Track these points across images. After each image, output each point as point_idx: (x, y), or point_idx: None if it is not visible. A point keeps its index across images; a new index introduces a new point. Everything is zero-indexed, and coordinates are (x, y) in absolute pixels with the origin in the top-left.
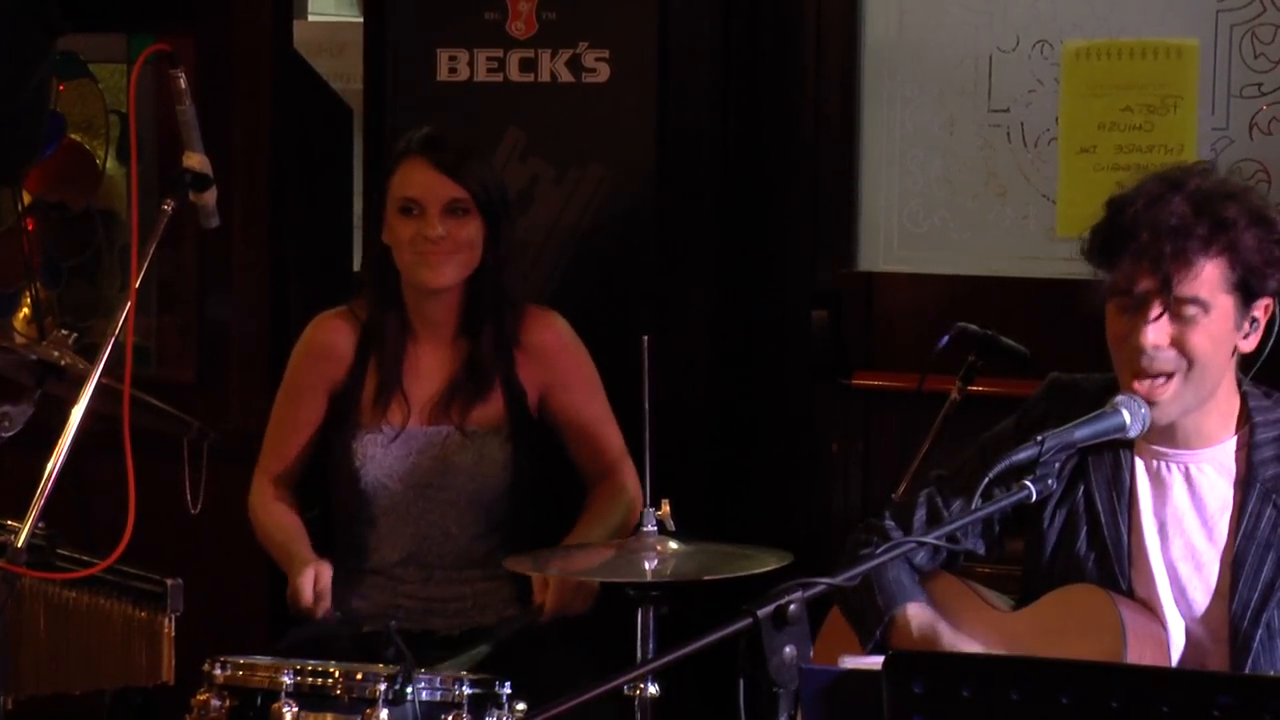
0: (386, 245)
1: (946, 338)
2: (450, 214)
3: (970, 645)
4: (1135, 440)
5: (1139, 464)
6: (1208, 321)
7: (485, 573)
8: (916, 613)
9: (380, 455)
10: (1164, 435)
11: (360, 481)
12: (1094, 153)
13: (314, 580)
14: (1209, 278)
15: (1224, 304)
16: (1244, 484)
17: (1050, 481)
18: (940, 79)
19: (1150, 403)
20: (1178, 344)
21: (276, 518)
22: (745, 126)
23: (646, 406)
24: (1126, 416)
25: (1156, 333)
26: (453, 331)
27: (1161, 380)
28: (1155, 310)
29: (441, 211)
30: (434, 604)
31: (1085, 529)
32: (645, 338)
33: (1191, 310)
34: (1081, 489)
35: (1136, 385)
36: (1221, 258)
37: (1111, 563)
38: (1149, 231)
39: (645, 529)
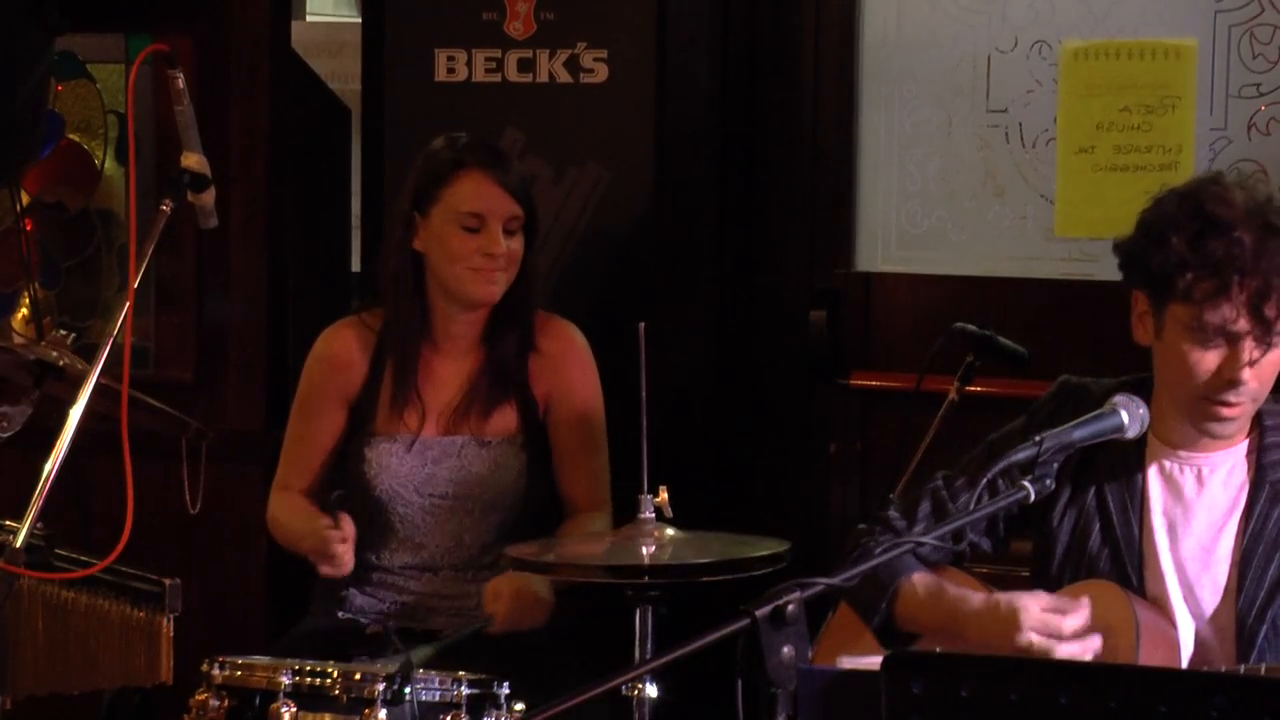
0: (416, 251)
1: (944, 338)
2: (506, 231)
3: (977, 596)
4: (1148, 442)
5: (1151, 465)
6: None
7: (492, 572)
8: (921, 578)
9: (395, 464)
10: (1183, 439)
11: (375, 489)
12: (1092, 153)
13: (338, 533)
14: None
15: None
16: (1253, 485)
17: (1048, 482)
18: (938, 79)
19: (1222, 421)
20: (1258, 375)
21: (291, 510)
22: (743, 126)
23: (644, 394)
24: (1125, 417)
25: (1249, 371)
26: (474, 340)
27: (1238, 405)
28: (1255, 351)
29: (502, 228)
30: (437, 601)
31: (1098, 528)
32: (642, 324)
33: (1277, 341)
34: (1092, 489)
35: (1214, 409)
36: None
37: (1124, 561)
38: (1260, 278)
39: (643, 516)
